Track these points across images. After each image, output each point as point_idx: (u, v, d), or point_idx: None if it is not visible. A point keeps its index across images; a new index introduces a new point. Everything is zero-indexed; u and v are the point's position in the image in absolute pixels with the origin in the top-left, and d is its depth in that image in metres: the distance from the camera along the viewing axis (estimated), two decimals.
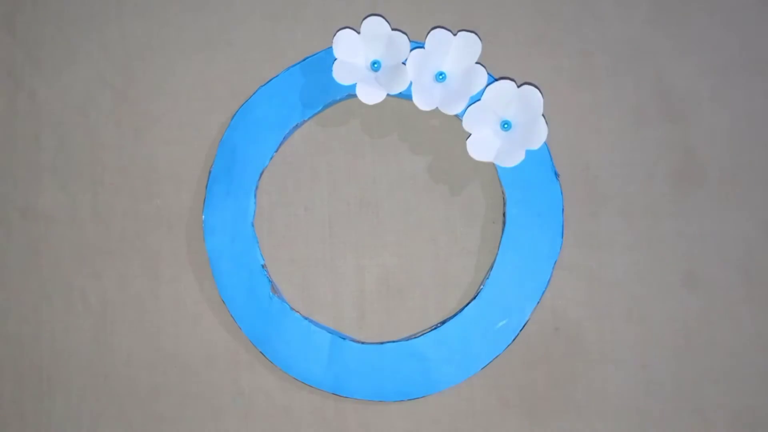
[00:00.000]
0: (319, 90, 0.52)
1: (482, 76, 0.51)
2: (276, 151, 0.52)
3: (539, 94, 0.50)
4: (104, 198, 0.53)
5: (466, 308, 0.51)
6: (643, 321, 0.52)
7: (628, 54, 0.54)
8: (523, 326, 0.50)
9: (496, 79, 0.51)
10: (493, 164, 0.51)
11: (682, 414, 0.52)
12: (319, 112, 0.52)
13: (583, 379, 0.52)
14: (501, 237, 0.52)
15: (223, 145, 0.51)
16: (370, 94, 0.51)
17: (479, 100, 0.51)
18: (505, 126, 0.50)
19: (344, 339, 0.51)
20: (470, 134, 0.51)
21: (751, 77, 0.53)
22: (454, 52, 0.51)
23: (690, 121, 0.53)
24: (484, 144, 0.51)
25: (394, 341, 0.51)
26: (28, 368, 0.53)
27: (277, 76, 0.52)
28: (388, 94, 0.51)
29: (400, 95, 0.51)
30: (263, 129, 0.52)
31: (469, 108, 0.50)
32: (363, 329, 0.52)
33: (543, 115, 0.50)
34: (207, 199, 0.51)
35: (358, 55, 0.51)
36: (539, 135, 0.50)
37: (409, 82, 0.51)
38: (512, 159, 0.50)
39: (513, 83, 0.50)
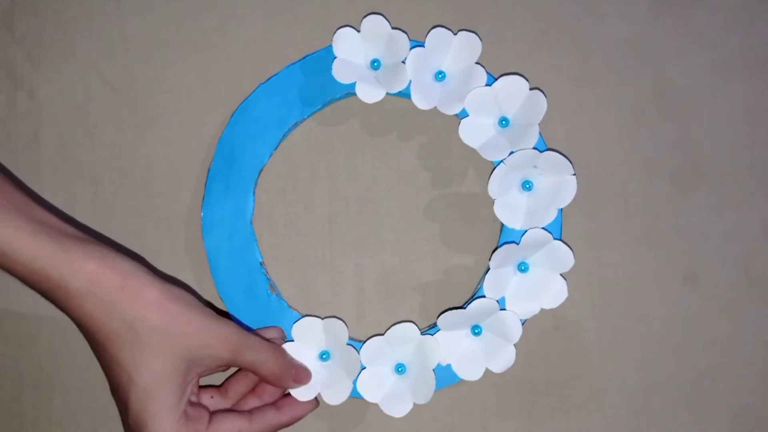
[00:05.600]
0: (318, 88, 0.52)
1: (482, 75, 0.51)
2: (275, 149, 0.52)
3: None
4: (104, 197, 0.53)
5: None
6: (643, 320, 0.52)
7: (628, 53, 0.54)
8: (522, 325, 0.50)
9: (496, 79, 0.51)
10: (492, 163, 0.51)
11: (682, 413, 0.52)
12: (319, 110, 0.52)
13: (582, 378, 0.52)
14: (500, 237, 0.52)
15: (223, 142, 0.51)
16: (370, 93, 0.51)
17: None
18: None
19: None
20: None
21: (751, 76, 0.53)
22: (454, 52, 0.51)
23: (690, 120, 0.53)
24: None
25: None
26: (28, 368, 0.53)
27: (276, 74, 0.52)
28: (387, 93, 0.51)
29: (400, 94, 0.51)
30: (262, 127, 0.52)
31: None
32: (362, 328, 0.52)
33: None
34: (206, 197, 0.51)
35: (358, 53, 0.51)
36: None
37: (408, 81, 0.51)
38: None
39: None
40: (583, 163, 0.53)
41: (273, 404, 0.48)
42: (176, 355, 0.42)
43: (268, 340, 0.47)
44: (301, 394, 0.49)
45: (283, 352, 0.48)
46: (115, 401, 0.44)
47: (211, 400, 0.47)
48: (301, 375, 0.48)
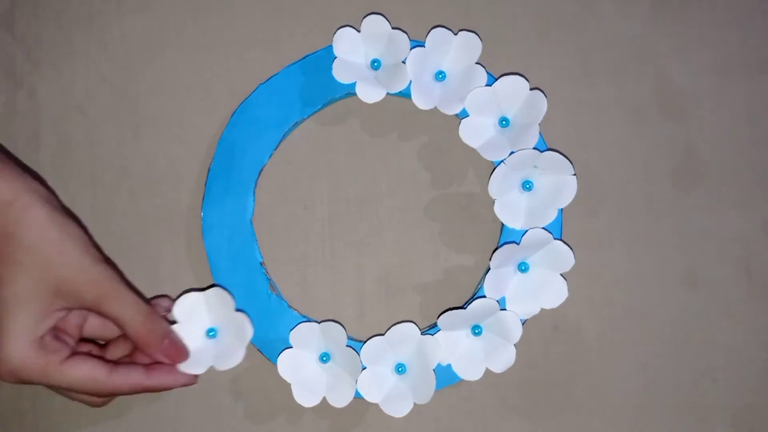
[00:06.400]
0: (318, 88, 0.52)
1: (482, 75, 0.51)
2: (275, 149, 0.52)
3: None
4: (104, 197, 0.53)
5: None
6: (643, 320, 0.52)
7: (628, 53, 0.54)
8: (523, 325, 0.50)
9: (497, 79, 0.51)
10: (492, 163, 0.51)
11: (682, 413, 0.52)
12: (319, 110, 0.52)
13: (582, 378, 0.52)
14: (501, 237, 0.52)
15: (223, 142, 0.51)
16: (370, 93, 0.51)
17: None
18: (527, 186, 0.50)
19: None
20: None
21: (752, 76, 0.53)
22: (454, 52, 0.51)
23: (690, 120, 0.53)
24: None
25: None
26: None
27: (276, 74, 0.52)
28: (387, 93, 0.51)
29: (400, 94, 0.51)
30: (263, 127, 0.52)
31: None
32: (362, 328, 0.52)
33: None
34: (206, 196, 0.51)
35: (359, 53, 0.51)
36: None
37: (408, 81, 0.51)
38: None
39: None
40: (583, 163, 0.53)
41: (143, 365, 0.46)
42: (43, 280, 0.42)
43: (149, 303, 0.47)
44: (306, 399, 0.49)
45: (157, 318, 0.46)
46: None
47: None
48: (173, 351, 0.47)
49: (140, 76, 0.54)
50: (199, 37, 0.54)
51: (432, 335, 0.50)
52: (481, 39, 0.51)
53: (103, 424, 0.52)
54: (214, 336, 0.49)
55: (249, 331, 0.48)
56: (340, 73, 0.51)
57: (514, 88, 0.51)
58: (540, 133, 0.50)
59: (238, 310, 0.49)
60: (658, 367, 0.52)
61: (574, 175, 0.50)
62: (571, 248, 0.50)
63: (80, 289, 0.43)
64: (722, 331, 0.52)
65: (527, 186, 0.50)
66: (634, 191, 0.53)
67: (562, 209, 0.51)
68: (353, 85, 0.51)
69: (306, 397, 0.49)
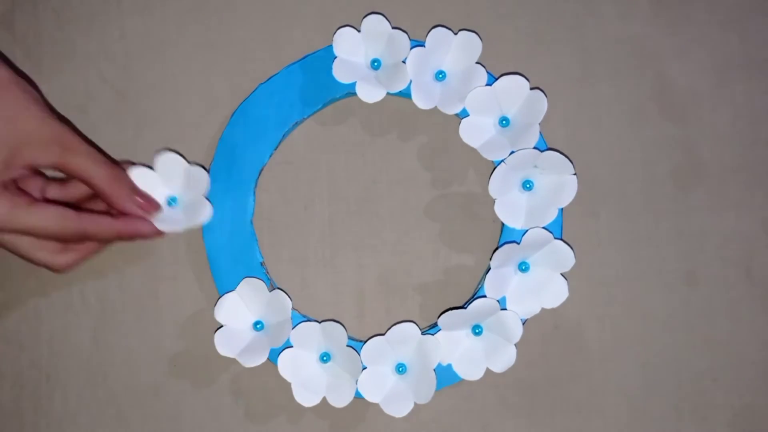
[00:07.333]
0: (319, 88, 0.52)
1: (482, 75, 0.51)
2: (275, 149, 0.52)
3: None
4: None
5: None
6: (643, 320, 0.52)
7: (628, 53, 0.54)
8: (523, 325, 0.50)
9: (497, 79, 0.51)
10: (492, 163, 0.51)
11: (682, 413, 0.52)
12: (319, 110, 0.52)
13: (582, 378, 0.52)
14: (501, 236, 0.52)
15: (223, 142, 0.51)
16: (370, 93, 0.51)
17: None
18: (528, 185, 0.50)
19: None
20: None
21: (752, 76, 0.53)
22: (455, 51, 0.51)
23: (690, 120, 0.53)
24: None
25: None
26: (28, 368, 0.53)
27: (277, 74, 0.52)
28: (388, 93, 0.51)
29: (400, 94, 0.51)
30: (263, 127, 0.52)
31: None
32: (362, 328, 0.52)
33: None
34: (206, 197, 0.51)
35: (359, 53, 0.51)
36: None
37: (409, 81, 0.51)
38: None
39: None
40: (584, 162, 0.53)
41: (109, 213, 0.47)
42: (8, 132, 0.43)
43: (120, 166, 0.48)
44: (306, 399, 0.49)
45: (122, 171, 0.47)
46: None
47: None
48: (145, 201, 0.48)
49: (140, 76, 0.54)
50: (199, 37, 0.54)
51: (432, 335, 0.50)
52: (481, 39, 0.51)
53: (102, 423, 0.52)
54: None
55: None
56: (340, 73, 0.51)
57: (514, 87, 0.51)
58: (540, 132, 0.50)
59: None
60: (658, 367, 0.52)
61: (575, 174, 0.50)
62: (571, 248, 0.50)
63: (45, 142, 0.44)
64: (722, 331, 0.52)
65: (527, 186, 0.50)
66: (634, 191, 0.53)
67: (562, 209, 0.51)
68: (353, 85, 0.51)
69: (306, 397, 0.49)
